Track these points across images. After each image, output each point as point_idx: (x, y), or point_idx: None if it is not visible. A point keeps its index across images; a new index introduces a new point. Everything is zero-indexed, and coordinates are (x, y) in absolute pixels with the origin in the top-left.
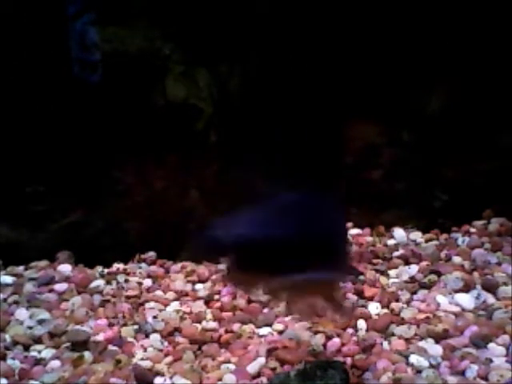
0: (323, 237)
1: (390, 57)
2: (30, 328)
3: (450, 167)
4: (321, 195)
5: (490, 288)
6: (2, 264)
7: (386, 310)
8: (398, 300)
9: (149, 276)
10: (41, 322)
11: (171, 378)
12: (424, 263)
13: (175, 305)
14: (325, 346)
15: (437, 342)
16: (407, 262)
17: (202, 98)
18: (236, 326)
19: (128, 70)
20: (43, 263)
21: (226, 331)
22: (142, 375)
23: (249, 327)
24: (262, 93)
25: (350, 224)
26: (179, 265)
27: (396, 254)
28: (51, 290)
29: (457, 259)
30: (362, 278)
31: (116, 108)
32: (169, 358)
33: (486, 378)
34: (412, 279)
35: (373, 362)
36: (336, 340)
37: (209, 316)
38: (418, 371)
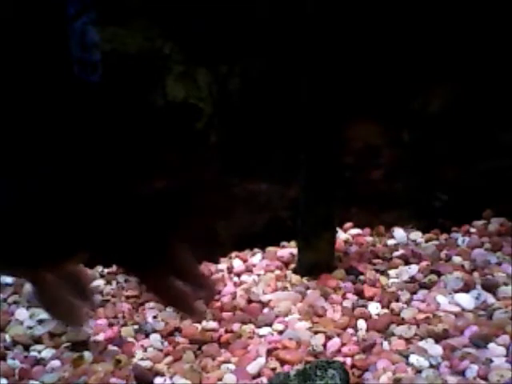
0: None
1: (390, 56)
2: (30, 328)
3: (450, 167)
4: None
5: (490, 288)
6: None
7: (386, 310)
8: (398, 300)
9: None
10: (41, 322)
11: (171, 378)
12: (424, 263)
13: None
14: (325, 345)
15: (437, 341)
16: (407, 262)
17: (201, 98)
18: (236, 326)
19: (128, 70)
20: None
21: (226, 331)
22: (142, 375)
23: (249, 327)
24: (263, 93)
25: (349, 224)
26: None
27: (396, 254)
28: None
29: (457, 259)
30: (361, 277)
31: (116, 108)
32: (169, 358)
33: (485, 378)
34: (412, 279)
35: (373, 362)
36: (336, 340)
37: (209, 316)
38: (418, 371)
